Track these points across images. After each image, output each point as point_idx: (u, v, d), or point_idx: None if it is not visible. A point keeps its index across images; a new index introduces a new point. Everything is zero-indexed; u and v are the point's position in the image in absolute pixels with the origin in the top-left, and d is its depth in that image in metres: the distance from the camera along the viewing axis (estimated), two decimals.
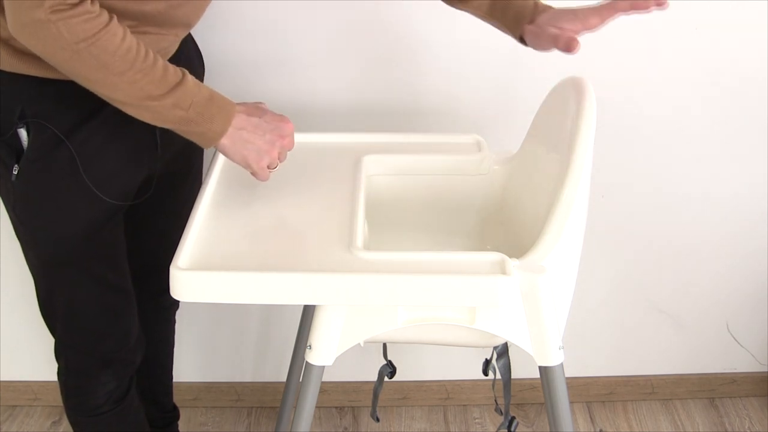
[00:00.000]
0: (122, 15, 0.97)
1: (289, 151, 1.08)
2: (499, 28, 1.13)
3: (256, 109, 1.05)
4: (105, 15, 0.91)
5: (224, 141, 1.01)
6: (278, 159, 1.06)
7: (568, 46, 1.00)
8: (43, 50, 0.91)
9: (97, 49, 0.90)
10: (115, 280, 1.19)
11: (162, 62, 0.96)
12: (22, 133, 1.02)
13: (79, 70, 0.92)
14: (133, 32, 1.00)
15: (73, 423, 1.29)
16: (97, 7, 0.90)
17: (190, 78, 0.98)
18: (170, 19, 1.04)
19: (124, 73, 0.92)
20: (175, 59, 1.15)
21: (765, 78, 1.48)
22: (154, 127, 1.14)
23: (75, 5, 0.88)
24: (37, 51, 0.91)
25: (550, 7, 1.07)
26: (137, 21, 1.00)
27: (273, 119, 1.04)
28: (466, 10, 1.16)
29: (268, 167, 1.05)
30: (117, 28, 0.92)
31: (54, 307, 1.19)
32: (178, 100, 0.96)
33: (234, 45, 1.41)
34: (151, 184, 1.18)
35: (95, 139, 1.05)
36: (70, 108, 1.03)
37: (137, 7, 0.98)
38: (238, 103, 1.03)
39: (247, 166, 1.04)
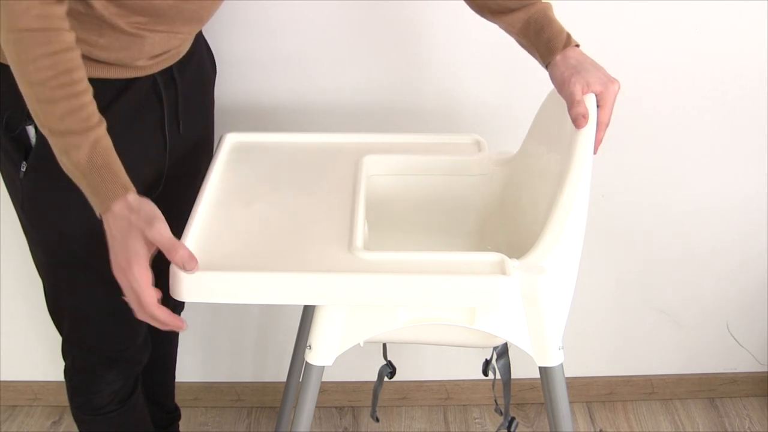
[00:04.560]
0: (133, 10, 0.96)
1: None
2: (529, 50, 1.12)
3: (146, 224, 0.90)
4: (53, 22, 0.86)
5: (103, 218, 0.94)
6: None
7: (576, 123, 1.01)
8: None
9: (19, 47, 0.86)
10: None
11: (76, 104, 0.88)
12: (31, 130, 1.02)
13: (10, 59, 0.88)
14: (146, 30, 0.99)
15: (78, 422, 1.30)
16: (55, 10, 0.86)
17: (93, 137, 0.90)
18: (181, 15, 1.03)
19: (32, 85, 0.88)
20: (187, 60, 1.15)
21: (765, 78, 1.48)
22: (163, 126, 1.14)
23: None
24: None
25: (579, 49, 1.08)
26: (149, 17, 0.99)
27: (130, 249, 0.91)
28: (498, 24, 1.14)
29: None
30: (55, 40, 0.86)
31: (61, 305, 1.19)
32: (67, 148, 0.90)
33: (236, 44, 1.41)
34: (159, 184, 1.17)
35: None
36: None
37: (147, 2, 0.97)
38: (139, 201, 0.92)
39: None
